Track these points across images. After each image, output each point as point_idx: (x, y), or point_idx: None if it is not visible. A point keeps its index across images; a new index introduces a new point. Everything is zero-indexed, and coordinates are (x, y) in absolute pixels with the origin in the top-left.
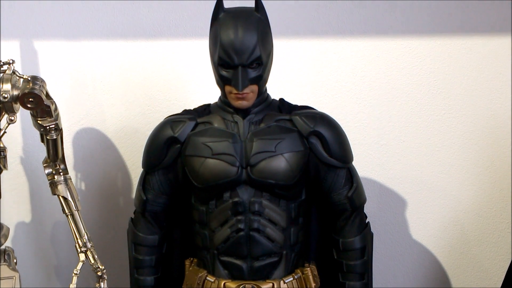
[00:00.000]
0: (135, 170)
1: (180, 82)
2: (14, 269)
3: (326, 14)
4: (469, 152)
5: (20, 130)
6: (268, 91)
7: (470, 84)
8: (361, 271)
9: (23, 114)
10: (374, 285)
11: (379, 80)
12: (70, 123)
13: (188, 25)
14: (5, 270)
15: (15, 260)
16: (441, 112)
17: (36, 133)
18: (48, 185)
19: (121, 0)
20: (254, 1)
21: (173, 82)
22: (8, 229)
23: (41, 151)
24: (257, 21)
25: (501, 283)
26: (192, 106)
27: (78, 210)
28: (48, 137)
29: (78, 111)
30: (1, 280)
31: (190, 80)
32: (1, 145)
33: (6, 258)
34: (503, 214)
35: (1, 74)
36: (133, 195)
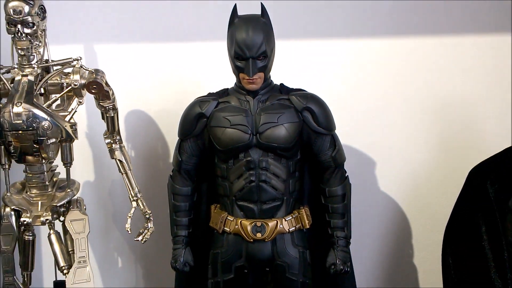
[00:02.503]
0: (171, 140)
1: (203, 72)
2: (84, 213)
3: (321, 17)
4: (421, 125)
5: (85, 109)
6: (273, 78)
7: (427, 77)
8: (342, 211)
9: (88, 98)
10: (352, 222)
11: (362, 74)
12: (123, 105)
13: (210, 30)
14: (77, 214)
15: (84, 207)
16: (402, 97)
17: (98, 112)
18: (108, 151)
19: (161, 12)
20: (260, 8)
21: (198, 73)
22: (78, 184)
23: (102, 125)
24: (262, 24)
25: (447, 222)
26: (214, 90)
27: (130, 170)
28: (107, 115)
29: (129, 96)
30: (74, 221)
31: (211, 71)
32: (73, 121)
33: (77, 205)
34: (447, 169)
35: (72, 68)
36: (170, 159)
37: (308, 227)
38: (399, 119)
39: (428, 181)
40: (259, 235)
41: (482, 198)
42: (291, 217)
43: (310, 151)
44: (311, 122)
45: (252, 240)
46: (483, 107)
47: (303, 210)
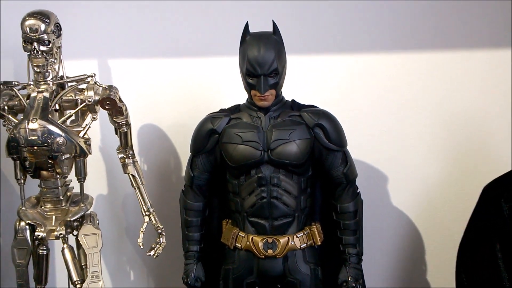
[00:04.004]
0: (183, 155)
1: (216, 88)
2: (97, 228)
3: (333, 32)
4: (436, 142)
5: (99, 125)
6: (284, 94)
7: (440, 93)
8: (354, 228)
9: (101, 113)
10: (364, 239)
11: (374, 90)
12: (136, 120)
13: (222, 46)
14: (90, 229)
15: (97, 222)
16: (415, 112)
17: (112, 128)
18: (121, 166)
19: (174, 28)
20: (272, 26)
21: (211, 89)
22: (92, 198)
23: (115, 141)
24: (274, 41)
25: (461, 239)
26: (225, 106)
27: (143, 185)
28: (120, 130)
29: (142, 111)
30: (87, 236)
31: (223, 87)
32: (87, 136)
33: (91, 219)
34: (462, 186)
35: (86, 84)
36: (183, 173)
37: (319, 243)
38: (412, 134)
39: (441, 198)
40: (270, 251)
41: (497, 215)
42: (302, 234)
43: (321, 168)
44: (323, 138)
45: (263, 256)
46: (498, 122)
47: (314, 226)
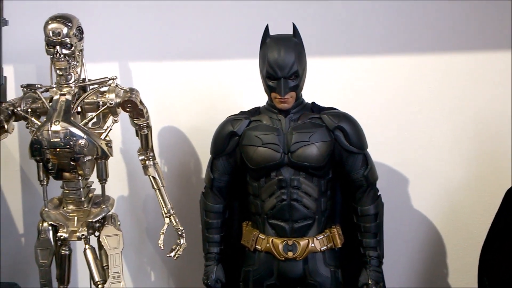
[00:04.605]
0: (203, 157)
1: (236, 90)
2: (118, 229)
3: (353, 34)
4: (458, 143)
5: (120, 127)
6: (304, 97)
7: (460, 93)
8: (375, 231)
9: (122, 115)
10: (384, 241)
11: (394, 91)
12: (157, 122)
13: (242, 49)
14: (112, 230)
15: (119, 223)
16: (437, 114)
17: (132, 130)
18: (141, 168)
19: (194, 30)
20: (292, 28)
21: (231, 91)
22: (113, 199)
23: (136, 143)
24: (294, 44)
25: (483, 242)
26: (245, 108)
27: (163, 186)
28: (141, 133)
29: (162, 114)
30: (109, 237)
31: (243, 89)
32: (108, 138)
33: (112, 220)
34: (484, 189)
35: (108, 87)
36: (203, 175)
37: (340, 246)
38: (433, 136)
39: (463, 200)
40: (290, 253)
41: None
42: (322, 236)
43: (342, 170)
44: (343, 141)
45: (283, 258)
46: None
47: (334, 229)
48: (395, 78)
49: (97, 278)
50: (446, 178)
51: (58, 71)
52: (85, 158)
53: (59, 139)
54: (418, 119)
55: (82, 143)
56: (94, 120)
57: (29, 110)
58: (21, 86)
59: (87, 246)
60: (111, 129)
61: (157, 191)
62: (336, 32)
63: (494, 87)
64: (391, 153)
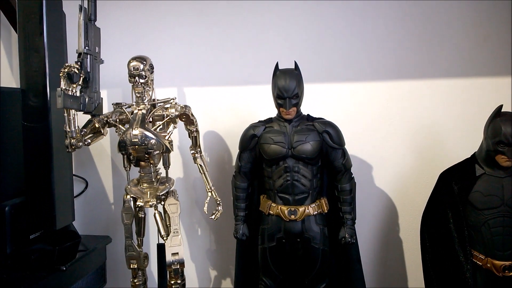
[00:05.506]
0: (233, 151)
1: (256, 106)
2: (177, 200)
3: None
4: (406, 141)
5: (178, 132)
6: (303, 110)
7: (408, 107)
8: (350, 201)
9: (179, 124)
10: (356, 208)
11: (365, 108)
12: (202, 127)
13: (260, 78)
14: (173, 200)
15: (177, 196)
16: (392, 122)
17: (186, 133)
18: (192, 159)
19: (229, 63)
20: (294, 64)
21: (253, 106)
22: (173, 180)
23: (188, 142)
24: (296, 75)
25: (423, 210)
26: (262, 118)
27: (207, 171)
28: (192, 135)
29: (206, 122)
30: (171, 205)
31: (261, 105)
32: (170, 139)
33: (173, 194)
34: (425, 172)
35: (170, 104)
36: (233, 164)
37: (326, 211)
38: (390, 137)
39: (410, 180)
40: (292, 216)
41: (449, 193)
42: (314, 205)
43: (327, 160)
44: (328, 140)
45: (288, 220)
46: (452, 131)
47: (323, 200)
48: (367, 101)
49: (163, 232)
50: (398, 165)
51: (136, 94)
52: (155, 152)
53: (137, 140)
54: (379, 125)
55: (152, 142)
56: (161, 127)
57: (118, 120)
58: (112, 104)
59: (156, 211)
60: (172, 132)
61: (202, 174)
62: (329, 61)
63: (429, 103)
64: (361, 149)
